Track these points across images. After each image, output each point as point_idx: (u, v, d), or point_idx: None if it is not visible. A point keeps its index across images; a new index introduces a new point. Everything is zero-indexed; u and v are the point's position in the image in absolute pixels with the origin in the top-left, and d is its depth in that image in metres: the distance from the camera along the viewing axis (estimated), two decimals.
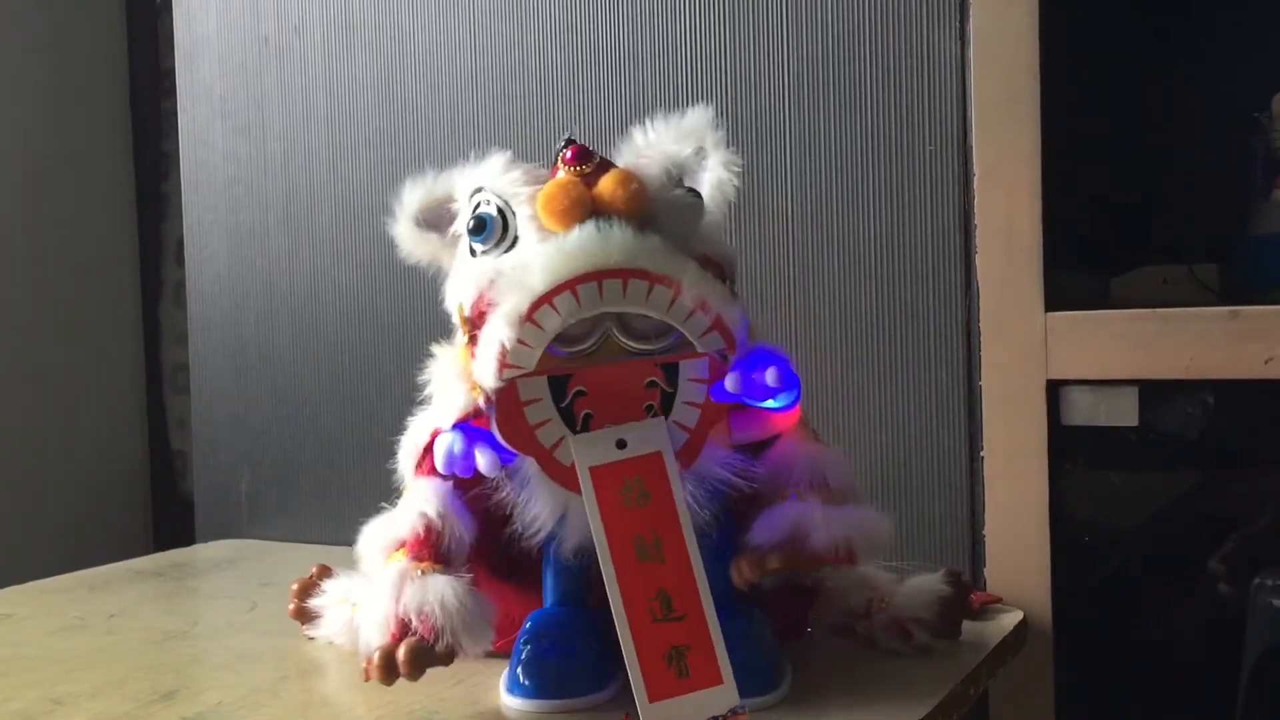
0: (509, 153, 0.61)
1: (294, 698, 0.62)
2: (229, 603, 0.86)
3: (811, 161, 0.88)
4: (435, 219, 0.64)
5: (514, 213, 0.58)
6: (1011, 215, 0.76)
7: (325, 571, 0.72)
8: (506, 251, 0.58)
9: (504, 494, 0.59)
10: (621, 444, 0.56)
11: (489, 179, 0.60)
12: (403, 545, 0.59)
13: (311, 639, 0.71)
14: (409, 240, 0.65)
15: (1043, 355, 0.75)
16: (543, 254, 0.56)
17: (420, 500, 0.60)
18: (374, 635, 0.56)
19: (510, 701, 0.59)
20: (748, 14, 0.90)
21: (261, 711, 0.59)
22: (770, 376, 0.57)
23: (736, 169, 0.61)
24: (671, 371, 0.58)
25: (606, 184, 0.57)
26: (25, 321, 1.32)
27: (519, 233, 0.58)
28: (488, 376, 0.56)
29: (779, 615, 0.65)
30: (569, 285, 0.55)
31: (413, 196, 0.64)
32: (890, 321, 0.86)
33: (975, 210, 0.78)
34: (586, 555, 0.57)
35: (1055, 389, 0.76)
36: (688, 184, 0.60)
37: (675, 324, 0.56)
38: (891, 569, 0.69)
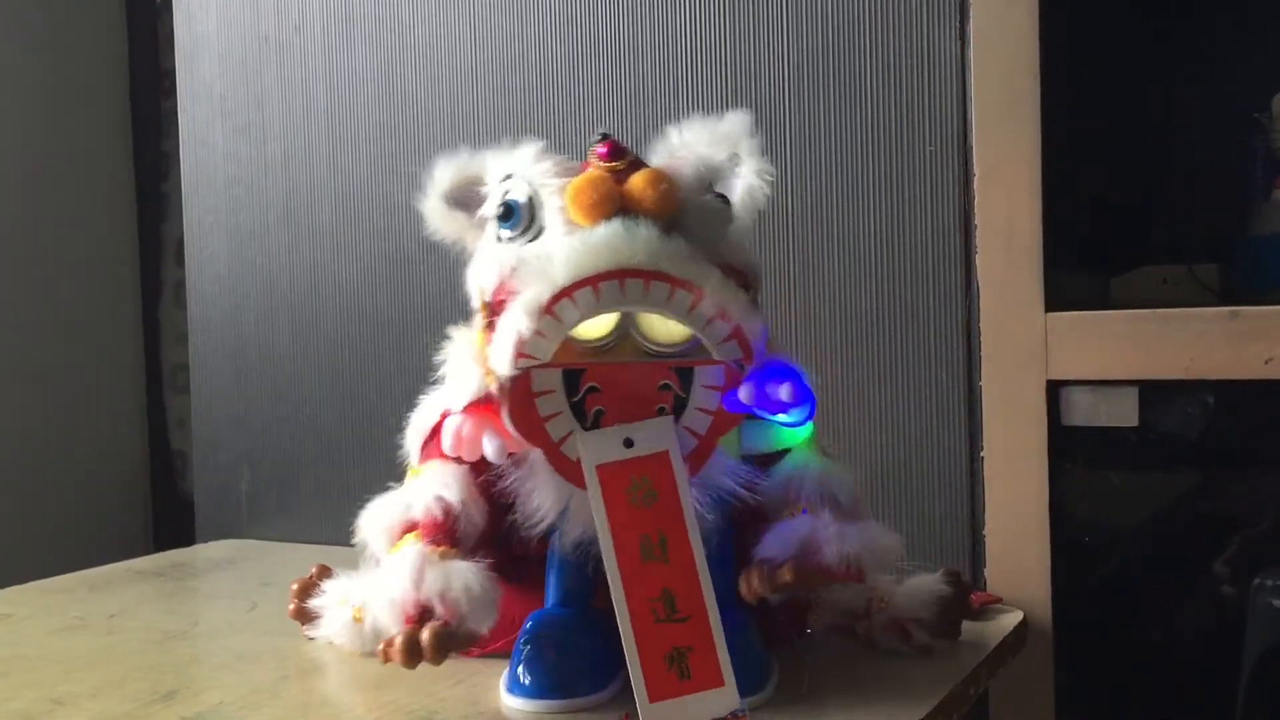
0: (543, 142, 0.61)
1: (294, 698, 0.62)
2: (229, 603, 0.86)
3: (812, 161, 0.88)
4: (465, 198, 0.63)
5: (542, 203, 0.58)
6: (1012, 215, 0.76)
7: (325, 572, 0.72)
8: (531, 240, 0.58)
9: (508, 482, 0.59)
10: (629, 443, 0.56)
11: (520, 166, 0.60)
12: (414, 527, 0.59)
13: (311, 639, 0.71)
14: (437, 217, 0.64)
15: (1043, 355, 0.75)
16: (567, 247, 0.55)
17: (438, 484, 0.60)
18: (387, 617, 0.56)
19: (510, 701, 0.58)
20: (748, 11, 0.90)
21: (261, 711, 0.59)
22: (784, 392, 0.56)
23: (769, 178, 0.61)
24: (686, 376, 0.57)
25: (637, 182, 0.57)
26: (25, 321, 1.32)
27: (545, 223, 0.58)
28: (503, 364, 0.56)
29: (779, 617, 0.65)
30: (591, 281, 0.54)
31: (444, 173, 0.63)
32: (890, 321, 0.86)
33: (975, 210, 0.78)
34: (588, 553, 0.57)
35: (1055, 389, 0.76)
36: (718, 189, 0.60)
37: (694, 329, 0.56)
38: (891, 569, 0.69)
